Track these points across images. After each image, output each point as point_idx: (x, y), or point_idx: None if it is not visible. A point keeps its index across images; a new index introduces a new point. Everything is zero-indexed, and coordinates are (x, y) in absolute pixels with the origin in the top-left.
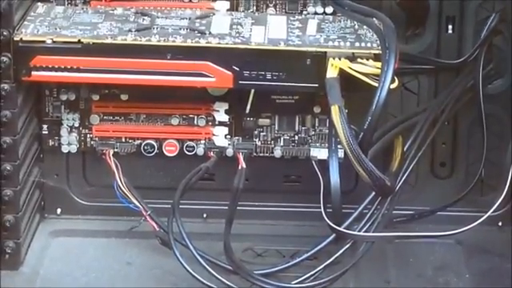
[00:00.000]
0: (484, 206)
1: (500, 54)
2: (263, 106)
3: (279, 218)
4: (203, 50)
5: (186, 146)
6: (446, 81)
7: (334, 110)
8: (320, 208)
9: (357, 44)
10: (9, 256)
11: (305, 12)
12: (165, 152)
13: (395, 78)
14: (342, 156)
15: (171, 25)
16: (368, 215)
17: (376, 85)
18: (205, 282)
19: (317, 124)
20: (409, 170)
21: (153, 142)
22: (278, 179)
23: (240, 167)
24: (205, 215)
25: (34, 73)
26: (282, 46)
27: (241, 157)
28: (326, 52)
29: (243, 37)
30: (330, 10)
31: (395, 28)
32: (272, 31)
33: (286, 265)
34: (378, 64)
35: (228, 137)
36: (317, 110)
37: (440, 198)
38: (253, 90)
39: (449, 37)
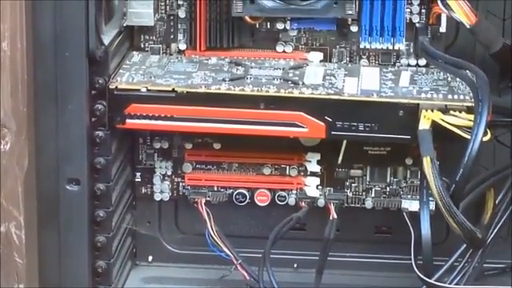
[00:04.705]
0: None
1: None
2: (355, 156)
3: (370, 268)
4: (296, 101)
5: (278, 196)
6: None
7: (426, 162)
8: (411, 260)
9: (450, 96)
10: None
11: (398, 64)
12: (256, 201)
13: (488, 130)
14: (434, 208)
15: (265, 75)
16: (459, 267)
17: (468, 137)
18: None
19: (408, 176)
20: (501, 223)
21: (245, 192)
22: (369, 230)
23: (331, 218)
24: (295, 265)
25: (128, 120)
26: (375, 98)
27: (332, 207)
28: (418, 104)
29: (336, 88)
30: (422, 62)
31: (488, 80)
32: (365, 82)
33: None
34: (471, 116)
35: (319, 187)
36: (408, 161)
37: None
38: (345, 141)
39: None
